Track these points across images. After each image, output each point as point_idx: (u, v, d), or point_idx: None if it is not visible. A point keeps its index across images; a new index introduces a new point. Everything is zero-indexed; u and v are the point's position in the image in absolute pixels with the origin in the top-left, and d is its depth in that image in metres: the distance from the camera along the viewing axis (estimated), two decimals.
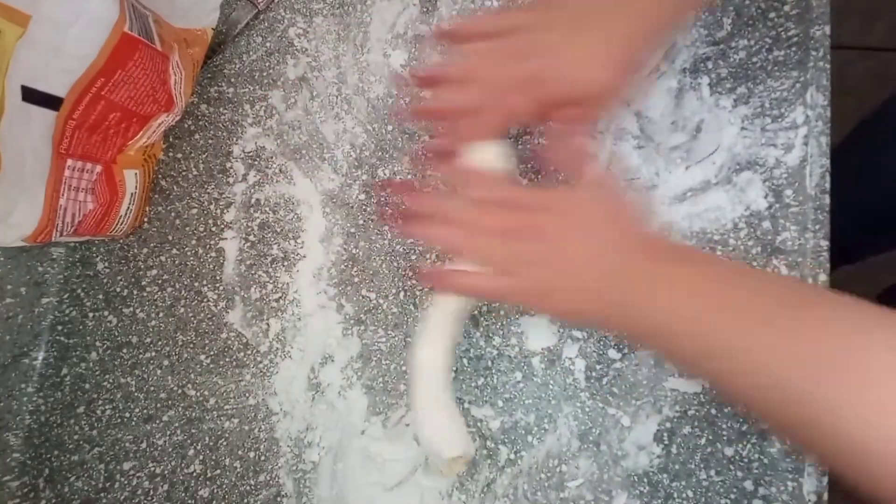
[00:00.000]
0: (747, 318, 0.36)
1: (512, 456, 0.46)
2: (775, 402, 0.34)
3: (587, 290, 0.40)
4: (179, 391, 0.51)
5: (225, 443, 0.50)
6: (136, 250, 0.54)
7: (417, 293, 0.49)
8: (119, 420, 0.51)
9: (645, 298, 0.38)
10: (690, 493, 0.43)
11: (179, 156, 0.54)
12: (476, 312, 0.48)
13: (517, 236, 0.41)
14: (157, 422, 0.51)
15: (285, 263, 0.51)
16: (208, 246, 0.53)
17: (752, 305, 0.36)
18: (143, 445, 0.51)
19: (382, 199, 0.50)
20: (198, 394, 0.51)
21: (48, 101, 0.43)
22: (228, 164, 0.54)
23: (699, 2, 0.46)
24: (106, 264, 0.54)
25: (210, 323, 0.51)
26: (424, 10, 0.52)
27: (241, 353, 0.51)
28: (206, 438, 0.50)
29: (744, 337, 0.35)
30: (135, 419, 0.51)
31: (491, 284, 0.42)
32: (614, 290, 0.39)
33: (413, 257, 0.49)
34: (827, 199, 0.44)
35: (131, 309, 0.53)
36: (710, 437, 0.43)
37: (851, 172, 0.64)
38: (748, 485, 0.42)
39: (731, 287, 0.37)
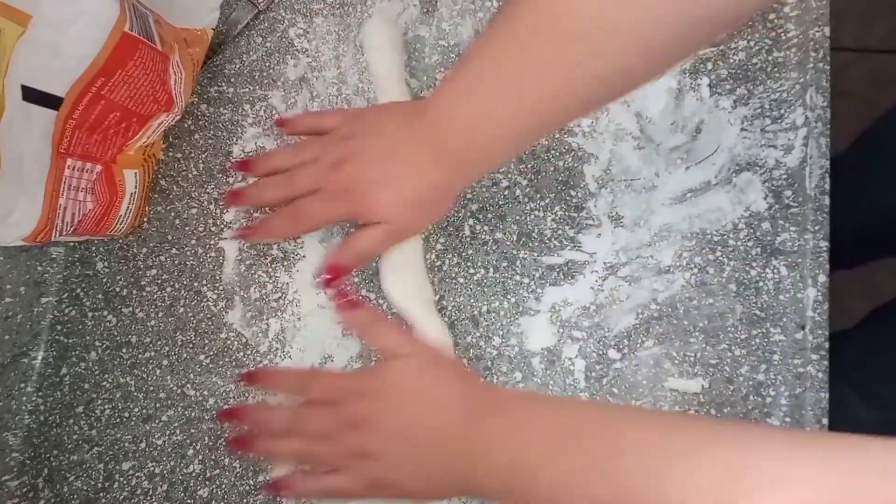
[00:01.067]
0: (563, 447, 0.35)
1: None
2: None
3: (428, 474, 0.40)
4: (179, 391, 0.51)
5: (224, 443, 0.50)
6: (135, 250, 0.54)
7: None
8: (118, 420, 0.51)
9: (482, 464, 0.37)
10: None
11: (179, 156, 0.54)
12: (476, 313, 0.48)
13: (342, 432, 0.41)
14: (157, 421, 0.51)
15: (285, 263, 0.51)
16: (208, 246, 0.53)
17: (573, 444, 0.35)
18: (143, 445, 0.51)
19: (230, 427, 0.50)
20: (197, 394, 0.51)
21: (48, 100, 0.43)
22: (228, 164, 0.54)
23: (523, 146, 0.46)
24: (105, 264, 0.54)
25: (209, 323, 0.51)
26: (425, 10, 0.52)
27: (241, 353, 0.51)
28: (206, 438, 0.50)
29: (565, 472, 0.34)
30: (134, 419, 0.51)
31: (324, 485, 0.42)
32: (450, 465, 0.39)
33: None
34: (827, 200, 0.44)
35: (131, 309, 0.53)
36: None
37: (851, 184, 0.65)
38: None
39: (557, 428, 0.36)
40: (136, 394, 0.51)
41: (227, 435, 0.48)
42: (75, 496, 0.51)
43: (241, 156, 0.53)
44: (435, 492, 0.40)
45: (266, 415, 0.46)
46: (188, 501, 0.49)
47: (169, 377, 0.51)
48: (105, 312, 0.53)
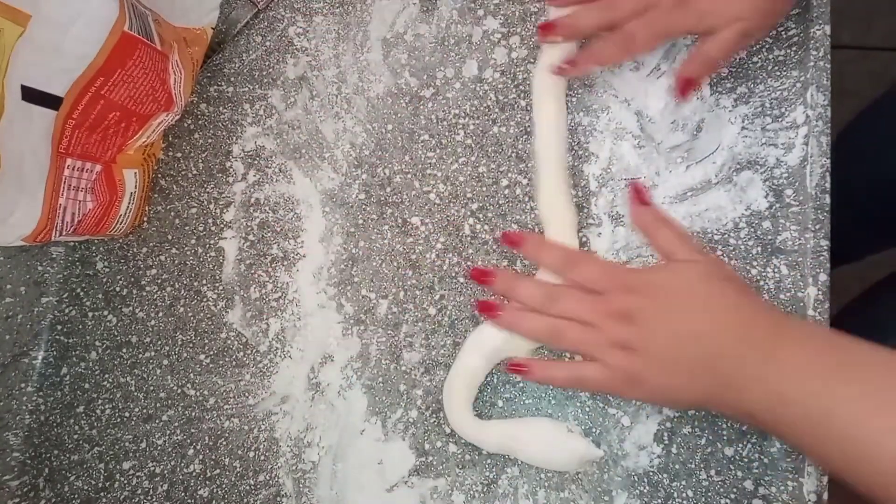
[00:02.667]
0: (861, 392, 0.34)
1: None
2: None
3: (676, 376, 0.39)
4: (179, 391, 0.51)
5: (224, 442, 0.50)
6: (135, 250, 0.54)
7: (417, 293, 0.49)
8: (119, 419, 0.51)
9: (755, 387, 0.36)
10: (690, 493, 0.43)
11: (179, 155, 0.54)
12: (475, 312, 0.48)
13: (604, 322, 0.40)
14: (157, 421, 0.51)
15: (285, 263, 0.51)
16: (208, 245, 0.53)
17: (862, 383, 0.34)
18: (143, 445, 0.51)
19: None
20: (197, 393, 0.51)
21: (48, 100, 0.43)
22: (228, 164, 0.54)
23: None
24: (105, 264, 0.54)
25: (209, 322, 0.51)
26: (424, 9, 0.52)
27: (241, 353, 0.51)
28: (206, 438, 0.50)
29: (862, 414, 0.33)
30: (134, 419, 0.51)
31: (574, 373, 0.41)
32: (707, 375, 0.38)
33: (413, 257, 0.49)
34: (827, 199, 0.44)
35: (131, 308, 0.53)
36: (710, 437, 0.43)
37: (850, 165, 0.64)
38: (748, 485, 0.42)
39: (845, 362, 0.35)
40: (136, 393, 0.51)
41: (477, 299, 0.47)
42: (76, 496, 0.51)
43: (241, 154, 0.53)
44: (687, 400, 0.39)
45: (523, 283, 0.44)
46: (188, 501, 0.49)
47: (169, 377, 0.51)
48: (105, 312, 0.53)
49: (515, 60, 0.50)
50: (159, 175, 0.54)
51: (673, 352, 0.39)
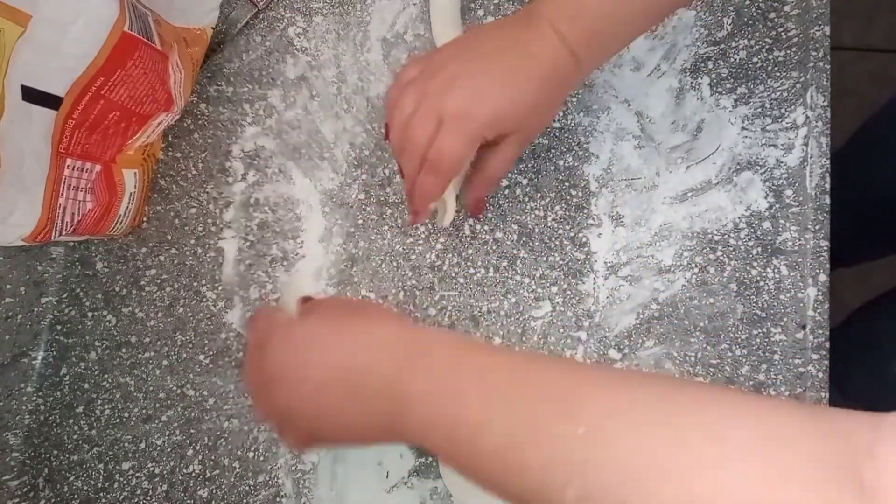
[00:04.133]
0: (485, 397, 0.31)
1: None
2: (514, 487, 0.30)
3: (343, 415, 0.36)
4: (178, 391, 0.51)
5: (224, 443, 0.50)
6: (135, 250, 0.53)
7: (417, 293, 0.49)
8: (118, 420, 0.51)
9: (397, 410, 0.34)
10: None
11: (178, 155, 0.54)
12: (476, 312, 0.48)
13: (264, 387, 0.38)
14: (157, 422, 0.51)
15: (285, 263, 0.51)
16: (207, 245, 0.53)
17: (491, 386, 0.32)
18: (143, 445, 0.51)
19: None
20: (197, 394, 0.51)
21: (48, 100, 0.42)
22: (227, 164, 0.53)
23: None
24: (105, 264, 0.54)
25: (209, 323, 0.51)
26: (424, 9, 0.52)
27: (241, 353, 0.51)
28: (206, 438, 0.50)
29: (484, 416, 0.31)
30: (134, 419, 0.51)
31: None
32: (370, 409, 0.35)
33: (413, 257, 0.49)
34: (827, 200, 0.44)
35: (130, 308, 0.53)
36: None
37: (851, 176, 0.65)
38: None
39: (455, 365, 0.33)
40: (135, 394, 0.51)
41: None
42: (75, 496, 0.51)
43: (241, 155, 0.53)
44: (362, 437, 0.37)
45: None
46: (188, 501, 0.49)
47: (169, 377, 0.51)
48: (105, 312, 0.53)
49: None
50: (159, 175, 0.54)
51: (327, 400, 0.36)
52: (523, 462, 0.29)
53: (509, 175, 0.49)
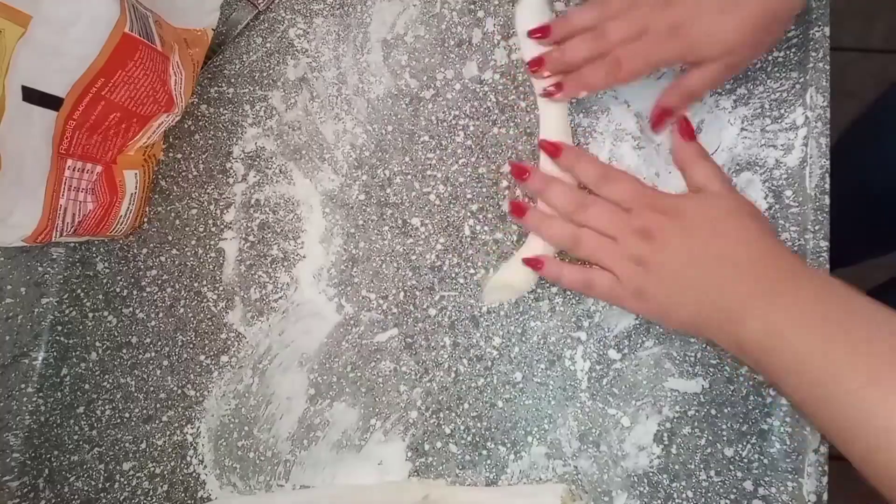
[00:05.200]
0: (853, 350, 0.34)
1: (512, 456, 0.46)
2: (868, 446, 0.33)
3: (681, 296, 0.40)
4: (179, 391, 0.51)
5: (224, 443, 0.50)
6: (135, 250, 0.54)
7: (417, 293, 0.49)
8: (119, 420, 0.51)
9: (754, 320, 0.37)
10: (690, 494, 0.43)
11: (179, 156, 0.54)
12: (476, 313, 0.48)
13: (625, 236, 0.42)
14: (157, 422, 0.51)
15: (285, 264, 0.51)
16: (208, 246, 0.53)
17: (860, 338, 0.34)
18: (143, 446, 0.51)
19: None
20: (197, 394, 0.51)
21: (48, 101, 0.43)
22: (228, 165, 0.54)
23: None
24: (106, 264, 0.54)
25: (210, 323, 0.51)
26: (424, 10, 0.52)
27: (241, 354, 0.51)
28: (206, 439, 0.50)
29: (845, 373, 0.34)
30: (134, 419, 0.51)
31: (585, 276, 0.43)
32: (710, 300, 0.39)
33: (413, 257, 0.49)
34: (827, 200, 0.44)
35: (131, 309, 0.53)
36: (710, 438, 0.43)
37: (848, 171, 0.64)
38: (748, 485, 0.42)
39: (839, 317, 0.36)
40: (136, 394, 0.51)
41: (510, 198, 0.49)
42: (76, 496, 0.51)
43: (241, 156, 0.53)
44: (686, 322, 0.40)
45: (557, 185, 0.45)
46: (189, 502, 0.49)
47: (169, 377, 0.51)
48: (105, 313, 0.53)
49: (515, 62, 0.50)
50: (160, 176, 0.54)
51: (683, 273, 0.40)
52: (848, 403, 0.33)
53: (509, 176, 0.49)
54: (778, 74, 0.46)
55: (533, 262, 0.45)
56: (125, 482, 0.50)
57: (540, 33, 0.46)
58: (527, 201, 0.47)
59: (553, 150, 0.46)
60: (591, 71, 0.44)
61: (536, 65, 0.46)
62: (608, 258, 0.42)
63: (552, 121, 0.47)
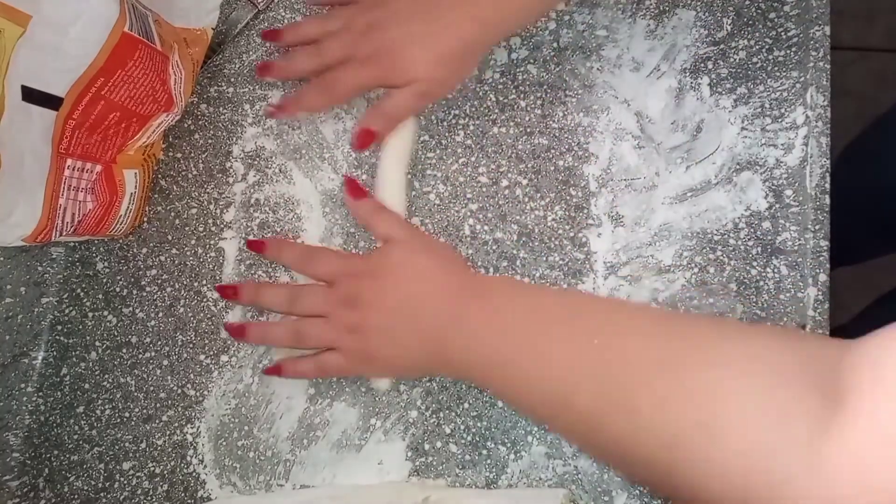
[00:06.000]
0: (545, 338, 0.37)
1: (512, 455, 0.46)
2: (574, 428, 0.37)
3: (399, 345, 0.42)
4: (179, 391, 0.51)
5: (224, 443, 0.50)
6: (135, 250, 0.54)
7: None
8: (119, 420, 0.51)
9: (455, 340, 0.40)
10: None
11: (179, 155, 0.54)
12: None
13: (335, 310, 0.44)
14: (157, 422, 0.51)
15: None
16: (208, 246, 0.53)
17: (541, 325, 0.38)
18: (143, 445, 0.51)
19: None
20: (197, 394, 0.51)
21: (48, 100, 0.43)
22: (228, 164, 0.54)
23: (544, 8, 0.48)
24: (105, 264, 0.54)
25: (210, 323, 0.51)
26: None
27: (241, 353, 0.51)
28: (206, 438, 0.50)
29: (539, 357, 0.37)
30: (134, 419, 0.51)
31: (318, 364, 0.45)
32: (422, 339, 0.41)
33: None
34: (827, 200, 0.44)
35: (131, 309, 0.53)
36: None
37: (856, 172, 0.64)
38: None
39: (525, 311, 0.39)
40: (136, 394, 0.51)
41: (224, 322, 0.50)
42: (76, 496, 0.51)
43: (241, 155, 0.53)
44: (412, 366, 0.44)
45: (266, 290, 0.48)
46: (188, 501, 0.49)
47: (169, 377, 0.51)
48: (105, 312, 0.53)
49: (515, 61, 0.50)
50: (159, 175, 0.54)
51: (391, 323, 0.42)
52: (548, 374, 0.36)
53: (509, 175, 0.49)
54: (778, 74, 0.46)
55: (274, 371, 0.47)
56: (125, 482, 0.50)
57: (271, 36, 0.51)
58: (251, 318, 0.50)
59: (258, 246, 0.49)
60: (308, 93, 0.48)
61: (264, 70, 0.50)
62: (327, 338, 0.44)
63: (388, 173, 0.49)
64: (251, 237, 0.52)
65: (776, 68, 0.46)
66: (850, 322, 0.71)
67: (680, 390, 0.31)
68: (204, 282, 0.52)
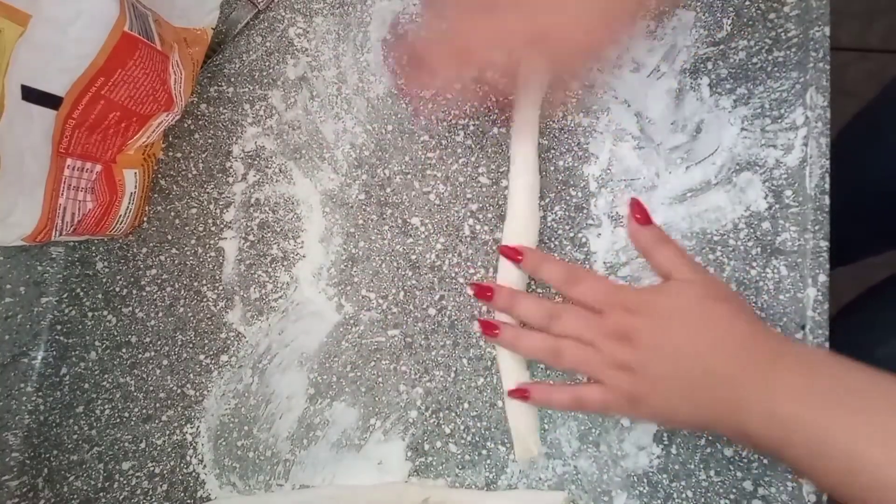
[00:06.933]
0: (863, 420, 0.34)
1: (512, 456, 0.46)
2: None
3: (675, 396, 0.39)
4: (179, 391, 0.51)
5: (224, 443, 0.50)
6: (135, 250, 0.54)
7: (417, 293, 0.49)
8: (118, 420, 0.51)
9: (745, 407, 0.36)
10: (690, 494, 0.43)
11: (179, 155, 0.54)
12: (475, 313, 0.48)
13: (603, 342, 0.40)
14: (157, 421, 0.51)
15: (285, 263, 0.51)
16: (208, 245, 0.53)
17: (862, 412, 0.34)
18: (143, 445, 0.51)
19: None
20: (197, 393, 0.51)
21: (48, 100, 0.43)
22: (228, 164, 0.54)
23: None
24: (105, 264, 0.54)
25: (209, 323, 0.51)
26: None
27: (241, 353, 0.51)
28: (206, 438, 0.50)
29: (862, 442, 0.33)
30: (134, 419, 0.51)
31: (575, 395, 0.42)
32: (706, 395, 0.38)
33: (413, 257, 0.49)
34: (826, 200, 0.44)
35: (130, 308, 0.53)
36: (710, 438, 0.43)
37: (847, 168, 0.64)
38: (748, 485, 0.42)
39: (845, 388, 0.35)
40: (135, 394, 0.51)
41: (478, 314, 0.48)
42: (75, 496, 0.51)
43: (241, 155, 0.53)
44: (689, 421, 0.40)
45: (524, 300, 0.44)
46: (188, 501, 0.49)
47: (169, 377, 0.51)
48: (105, 312, 0.53)
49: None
50: (159, 175, 0.54)
51: (671, 372, 0.39)
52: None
53: (508, 175, 0.49)
54: (778, 74, 0.46)
55: (519, 393, 0.44)
56: (124, 482, 0.50)
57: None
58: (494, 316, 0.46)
59: (513, 254, 0.45)
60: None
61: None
62: (591, 368, 0.41)
63: (519, 203, 0.46)
64: (252, 238, 0.52)
65: (776, 69, 0.46)
66: (836, 315, 0.71)
67: None
68: (204, 282, 0.52)
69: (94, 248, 0.54)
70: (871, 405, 0.34)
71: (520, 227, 0.46)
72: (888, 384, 0.35)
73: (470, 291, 0.48)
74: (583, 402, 0.42)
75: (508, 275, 0.45)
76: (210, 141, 0.54)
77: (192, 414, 0.50)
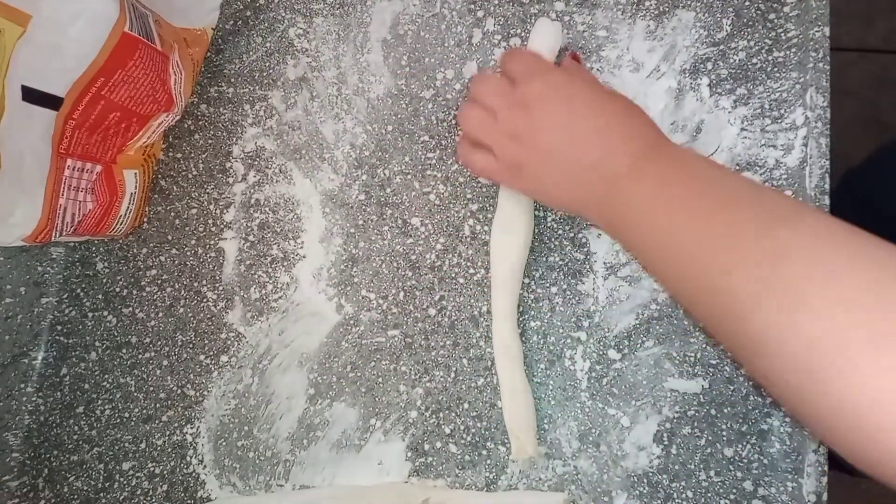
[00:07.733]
0: (705, 234, 0.34)
1: (512, 456, 0.46)
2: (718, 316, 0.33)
3: (556, 172, 0.40)
4: (179, 391, 0.51)
5: (224, 443, 0.50)
6: (135, 250, 0.54)
7: (417, 293, 0.49)
8: (118, 420, 0.51)
9: (615, 191, 0.37)
10: (690, 494, 0.43)
11: (179, 156, 0.54)
12: (475, 313, 0.48)
13: (505, 110, 0.41)
14: (157, 422, 0.51)
15: (285, 263, 0.51)
16: (208, 246, 0.53)
17: (710, 215, 0.34)
18: (143, 445, 0.51)
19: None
20: (197, 394, 0.51)
21: (48, 100, 0.43)
22: (228, 164, 0.54)
23: None
24: (105, 264, 0.54)
25: (209, 323, 0.51)
26: (424, 10, 0.52)
27: (241, 354, 0.51)
28: (206, 438, 0.50)
29: (700, 255, 0.34)
30: (134, 419, 0.51)
31: (472, 156, 0.44)
32: (584, 177, 0.39)
33: (413, 257, 0.49)
34: (826, 200, 0.44)
35: (131, 309, 0.53)
36: (710, 438, 0.43)
37: (860, 201, 0.64)
38: (748, 485, 0.42)
39: (700, 188, 0.36)
40: (136, 394, 0.51)
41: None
42: (75, 496, 0.51)
43: (241, 155, 0.53)
44: (562, 199, 0.41)
45: (479, 82, 0.44)
46: (188, 502, 0.49)
47: (169, 377, 0.51)
48: (105, 313, 0.53)
49: None
50: (159, 176, 0.54)
51: (557, 147, 0.40)
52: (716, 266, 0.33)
53: None
54: (778, 74, 0.46)
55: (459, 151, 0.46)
56: (125, 482, 0.50)
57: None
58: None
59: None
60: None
61: None
62: (485, 133, 0.42)
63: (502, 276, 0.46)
64: (252, 238, 0.52)
65: (776, 69, 0.46)
66: (858, 166, 0.68)
67: None
68: (204, 282, 0.52)
69: (94, 248, 0.54)
70: (718, 209, 0.34)
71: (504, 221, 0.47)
72: (735, 183, 0.36)
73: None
74: (471, 163, 0.44)
75: None
76: (210, 141, 0.54)
77: (193, 414, 0.50)
